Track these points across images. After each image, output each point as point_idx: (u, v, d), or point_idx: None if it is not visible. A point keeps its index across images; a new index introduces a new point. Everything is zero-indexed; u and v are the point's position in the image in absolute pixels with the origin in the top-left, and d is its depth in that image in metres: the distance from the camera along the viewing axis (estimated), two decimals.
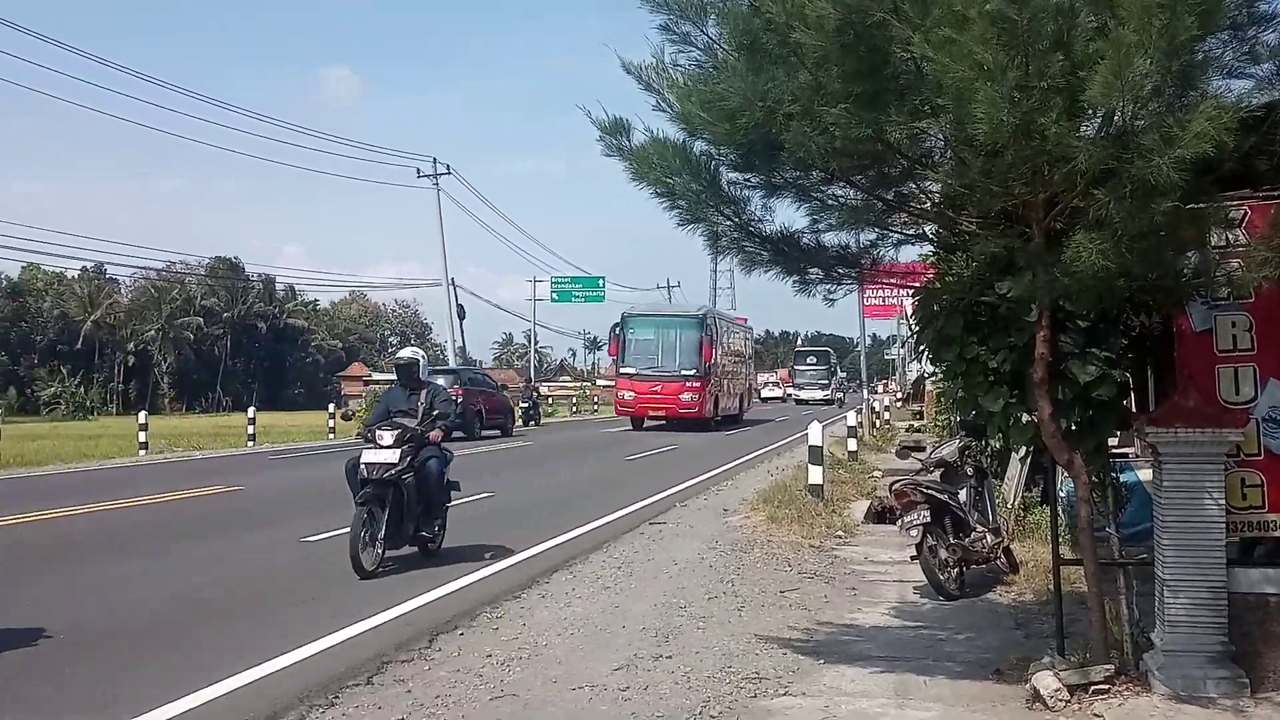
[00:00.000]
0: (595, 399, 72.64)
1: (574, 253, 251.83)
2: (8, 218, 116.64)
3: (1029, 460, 10.66)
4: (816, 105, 5.31)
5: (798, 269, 6.49)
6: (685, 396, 34.47)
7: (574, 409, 62.01)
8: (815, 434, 14.90)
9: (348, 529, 9.44)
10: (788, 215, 6.43)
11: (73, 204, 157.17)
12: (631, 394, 35.07)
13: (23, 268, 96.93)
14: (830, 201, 6.21)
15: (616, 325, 37.07)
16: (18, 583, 9.39)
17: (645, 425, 35.55)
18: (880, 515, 13.73)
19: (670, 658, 6.85)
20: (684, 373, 34.79)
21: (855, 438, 22.36)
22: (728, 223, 6.27)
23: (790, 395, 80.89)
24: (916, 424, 30.64)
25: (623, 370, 35.89)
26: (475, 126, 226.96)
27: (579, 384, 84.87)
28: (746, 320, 50.25)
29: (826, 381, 79.58)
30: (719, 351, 37.25)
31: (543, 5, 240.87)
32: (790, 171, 6.09)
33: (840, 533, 12.11)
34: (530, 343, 78.91)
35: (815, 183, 6.21)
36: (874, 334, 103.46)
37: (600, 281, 62.54)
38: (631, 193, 11.14)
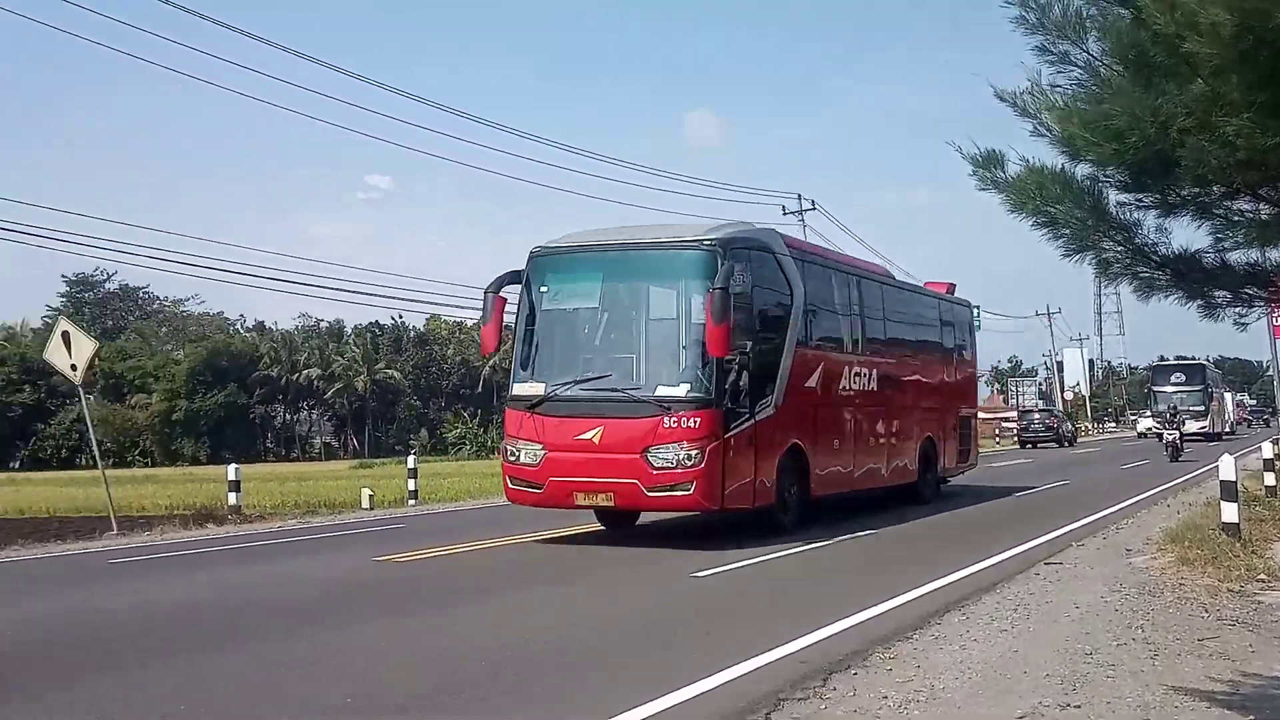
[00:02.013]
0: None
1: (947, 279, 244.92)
2: (410, 270, 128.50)
3: None
4: (1215, 117, 4.97)
5: (1201, 292, 6.04)
6: (662, 457, 14.10)
7: None
8: (1227, 468, 13.70)
9: (731, 567, 9.56)
10: (1186, 235, 6.03)
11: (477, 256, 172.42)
12: (536, 451, 14.93)
13: (427, 319, 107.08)
14: (1235, 218, 5.78)
15: (510, 275, 15.77)
16: (434, 611, 10.27)
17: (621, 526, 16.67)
18: None
19: (1078, 707, 6.47)
20: (660, 394, 14.37)
21: (1273, 471, 20.32)
22: (1118, 249, 5.94)
23: (1150, 430, 60.20)
24: None
25: (516, 391, 15.51)
26: (840, 160, 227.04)
27: None
28: (952, 288, 24.30)
29: (1203, 408, 60.10)
30: (793, 337, 16.25)
31: (903, 35, 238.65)
32: (1188, 189, 5.73)
33: (1263, 575, 11.00)
34: None
35: (1217, 198, 5.79)
36: None
37: (974, 310, 60.35)
38: (1004, 218, 10.82)
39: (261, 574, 13.48)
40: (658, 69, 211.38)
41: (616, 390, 14.51)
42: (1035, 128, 5.86)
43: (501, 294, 15.29)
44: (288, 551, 15.79)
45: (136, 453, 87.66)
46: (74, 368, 19.03)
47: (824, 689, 7.01)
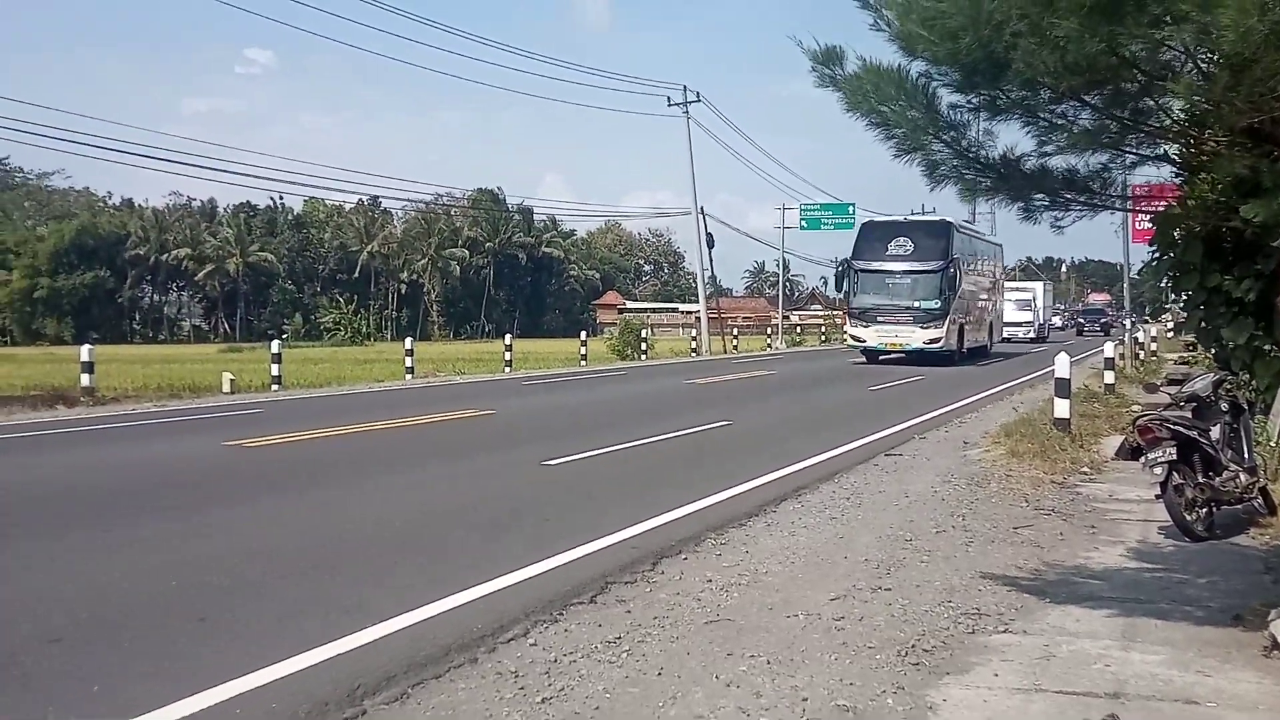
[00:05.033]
0: (845, 328, 71.86)
1: (827, 179, 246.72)
2: (295, 153, 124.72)
3: None
4: (1047, 19, 5.05)
5: (1022, 195, 6.22)
6: None
7: (822, 338, 61.44)
8: (1062, 366, 14.26)
9: (586, 454, 9.83)
10: (1011, 139, 6.17)
11: (356, 138, 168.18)
12: None
13: (304, 201, 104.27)
14: (1059, 122, 5.92)
15: None
16: (282, 496, 10.21)
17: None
18: (1135, 451, 13.04)
19: (889, 590, 6.79)
20: None
21: (1113, 370, 21.25)
22: (947, 150, 6.06)
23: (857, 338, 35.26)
24: (1188, 356, 28.72)
25: None
26: (731, 51, 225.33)
27: (829, 313, 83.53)
28: None
29: (937, 304, 33.02)
30: None
31: None
32: (1016, 91, 5.84)
33: (1086, 469, 11.60)
34: (780, 271, 76.65)
35: (1044, 102, 5.93)
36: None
37: (850, 208, 60.77)
38: None
39: (89, 458, 12.95)
40: None
41: None
42: (875, 21, 5.87)
43: None
44: (131, 435, 15.30)
45: None
46: None
47: (652, 573, 7.21)
